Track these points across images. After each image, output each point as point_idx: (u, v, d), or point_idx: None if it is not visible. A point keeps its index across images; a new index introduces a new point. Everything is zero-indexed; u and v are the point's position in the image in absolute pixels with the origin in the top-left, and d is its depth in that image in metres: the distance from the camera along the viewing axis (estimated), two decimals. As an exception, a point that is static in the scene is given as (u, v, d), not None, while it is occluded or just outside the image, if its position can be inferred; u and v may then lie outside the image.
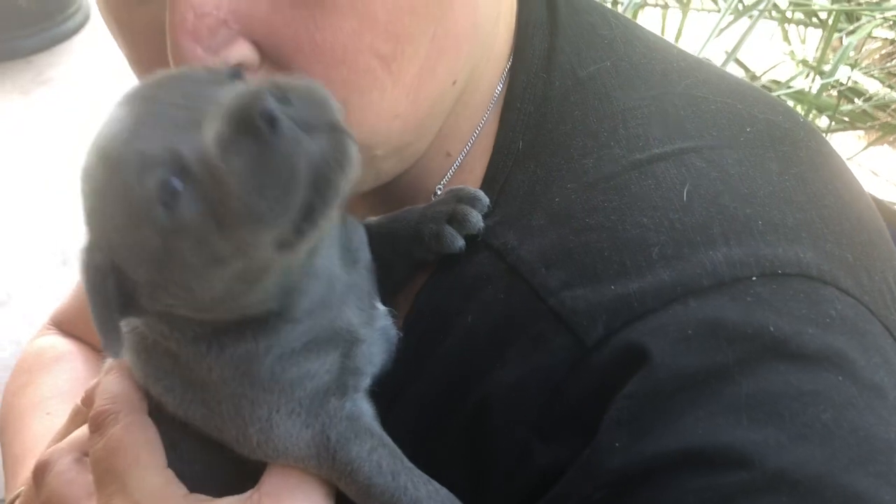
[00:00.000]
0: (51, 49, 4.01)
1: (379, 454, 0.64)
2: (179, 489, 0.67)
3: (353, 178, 0.57)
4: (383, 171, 0.75)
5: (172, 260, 0.58)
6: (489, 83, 0.78)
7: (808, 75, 2.26)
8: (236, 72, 0.61)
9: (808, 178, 0.67)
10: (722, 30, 1.81)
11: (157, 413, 0.70)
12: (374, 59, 0.66)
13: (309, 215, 0.56)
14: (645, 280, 0.60)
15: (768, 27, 2.44)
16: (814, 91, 2.05)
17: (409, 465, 0.65)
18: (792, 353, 0.56)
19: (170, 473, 0.68)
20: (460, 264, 0.70)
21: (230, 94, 0.56)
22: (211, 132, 0.55)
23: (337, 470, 0.65)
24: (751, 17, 1.82)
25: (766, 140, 0.69)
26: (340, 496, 0.67)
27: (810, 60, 2.29)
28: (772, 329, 0.56)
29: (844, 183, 0.71)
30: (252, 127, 0.53)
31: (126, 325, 0.67)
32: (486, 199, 0.72)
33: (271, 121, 0.53)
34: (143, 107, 0.59)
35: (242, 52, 0.65)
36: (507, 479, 0.62)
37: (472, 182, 0.77)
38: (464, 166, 0.79)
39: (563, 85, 0.75)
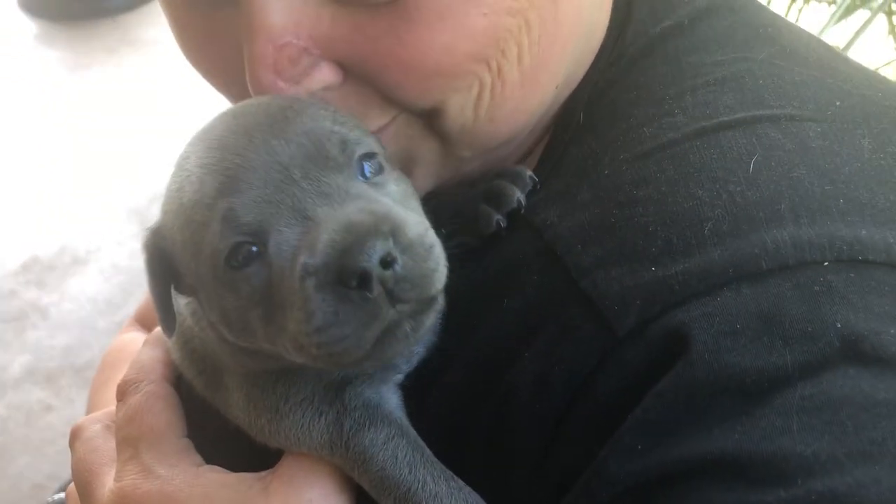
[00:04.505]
0: (138, 9, 4.08)
1: (395, 444, 0.60)
2: (193, 458, 0.66)
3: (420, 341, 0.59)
4: (465, 173, 0.72)
5: (210, 291, 0.60)
6: (584, 70, 0.72)
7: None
8: (365, 158, 0.59)
9: None
10: (840, 17, 1.69)
11: (188, 393, 0.70)
12: (472, 63, 0.61)
13: (357, 363, 0.56)
14: (692, 260, 0.52)
15: (879, 23, 2.29)
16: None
17: (432, 458, 0.60)
18: (865, 356, 0.47)
19: (186, 443, 0.67)
20: (501, 244, 0.65)
21: (346, 212, 0.54)
22: (304, 243, 0.54)
23: (350, 459, 0.61)
24: (871, 9, 1.70)
25: (859, 115, 0.60)
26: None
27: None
28: (839, 326, 0.48)
29: None
30: (344, 277, 0.52)
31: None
32: (527, 174, 0.67)
33: (364, 281, 0.52)
34: (258, 148, 0.57)
35: (324, 77, 0.62)
36: (529, 480, 0.57)
37: (531, 163, 0.71)
38: (534, 150, 0.74)
39: (634, 47, 0.69)
